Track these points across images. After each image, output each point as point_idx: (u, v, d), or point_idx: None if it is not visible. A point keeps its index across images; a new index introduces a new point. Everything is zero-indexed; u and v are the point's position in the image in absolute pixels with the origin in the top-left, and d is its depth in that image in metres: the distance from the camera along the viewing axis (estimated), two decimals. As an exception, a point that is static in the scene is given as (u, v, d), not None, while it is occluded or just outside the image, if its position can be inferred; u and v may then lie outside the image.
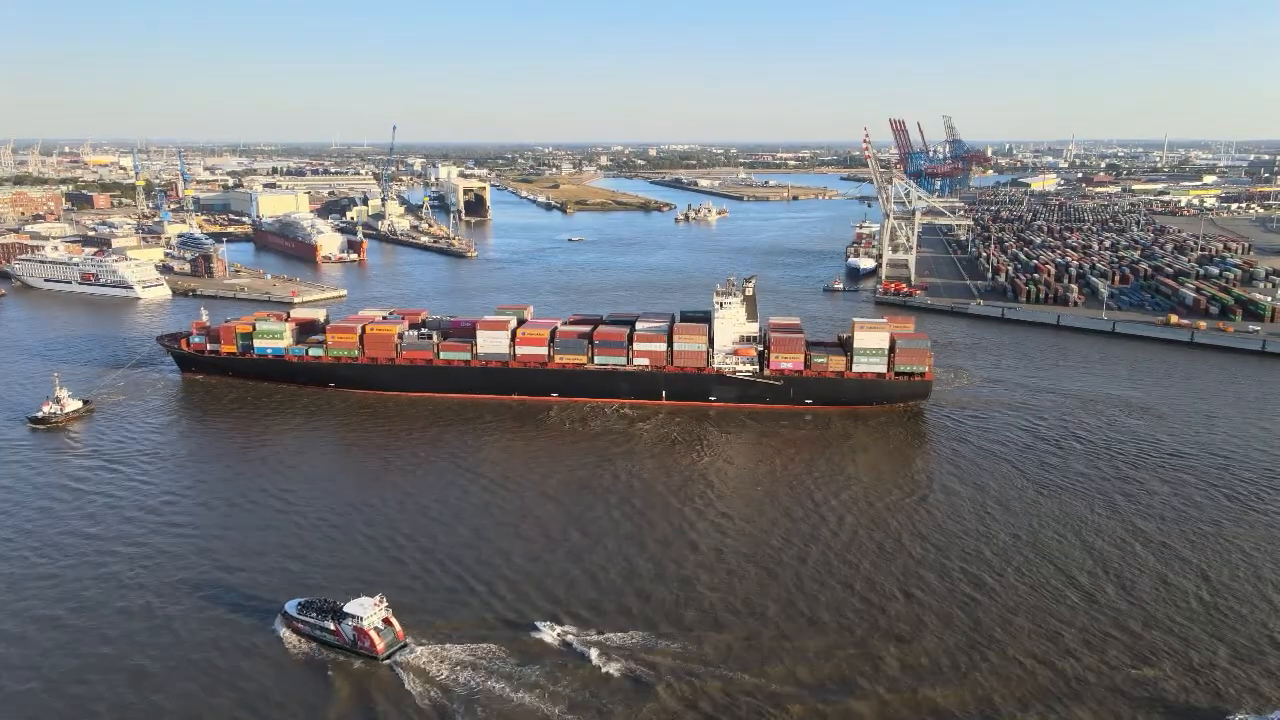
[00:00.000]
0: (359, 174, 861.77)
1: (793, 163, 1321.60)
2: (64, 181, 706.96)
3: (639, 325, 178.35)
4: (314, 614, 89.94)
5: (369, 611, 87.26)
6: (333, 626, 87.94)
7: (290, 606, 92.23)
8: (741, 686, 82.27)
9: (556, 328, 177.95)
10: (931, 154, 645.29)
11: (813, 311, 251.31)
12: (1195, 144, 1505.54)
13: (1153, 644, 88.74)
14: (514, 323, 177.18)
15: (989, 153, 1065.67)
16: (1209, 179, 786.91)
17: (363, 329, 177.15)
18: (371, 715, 79.14)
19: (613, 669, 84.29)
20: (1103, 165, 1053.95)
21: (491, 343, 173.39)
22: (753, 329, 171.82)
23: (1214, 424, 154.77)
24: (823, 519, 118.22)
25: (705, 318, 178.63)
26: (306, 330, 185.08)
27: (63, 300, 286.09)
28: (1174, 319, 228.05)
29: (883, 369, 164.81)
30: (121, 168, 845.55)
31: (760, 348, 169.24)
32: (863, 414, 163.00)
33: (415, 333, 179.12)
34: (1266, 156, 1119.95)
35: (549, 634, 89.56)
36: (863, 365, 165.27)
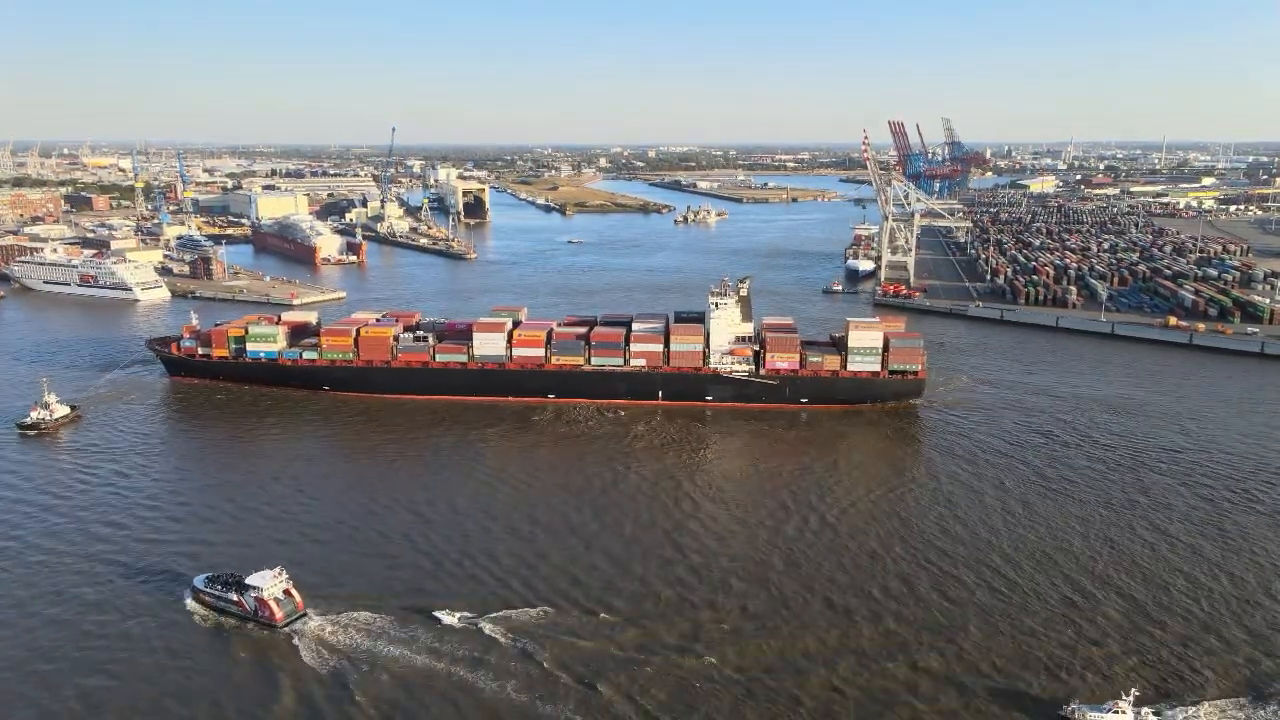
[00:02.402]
0: (358, 176, 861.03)
1: (792, 165, 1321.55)
2: (63, 183, 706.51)
3: (635, 326, 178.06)
4: (219, 586, 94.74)
5: (269, 583, 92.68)
6: (235, 598, 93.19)
7: (198, 581, 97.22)
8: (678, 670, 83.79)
9: (553, 329, 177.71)
10: (930, 156, 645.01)
11: (812, 313, 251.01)
12: (1194, 145, 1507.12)
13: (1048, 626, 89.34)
14: (510, 324, 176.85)
15: (988, 154, 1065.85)
16: (1208, 181, 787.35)
17: (357, 331, 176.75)
18: (269, 677, 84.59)
19: (507, 639, 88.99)
20: (1101, 167, 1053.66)
21: (488, 345, 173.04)
22: (747, 329, 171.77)
23: (1211, 425, 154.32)
24: (806, 515, 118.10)
25: (700, 318, 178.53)
26: (300, 333, 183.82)
27: (61, 302, 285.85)
28: (1172, 321, 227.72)
29: (877, 367, 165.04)
30: (120, 169, 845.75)
31: (756, 347, 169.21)
32: (857, 412, 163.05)
33: (411, 335, 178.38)
34: (1265, 158, 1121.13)
35: (447, 616, 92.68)
36: (857, 364, 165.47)
